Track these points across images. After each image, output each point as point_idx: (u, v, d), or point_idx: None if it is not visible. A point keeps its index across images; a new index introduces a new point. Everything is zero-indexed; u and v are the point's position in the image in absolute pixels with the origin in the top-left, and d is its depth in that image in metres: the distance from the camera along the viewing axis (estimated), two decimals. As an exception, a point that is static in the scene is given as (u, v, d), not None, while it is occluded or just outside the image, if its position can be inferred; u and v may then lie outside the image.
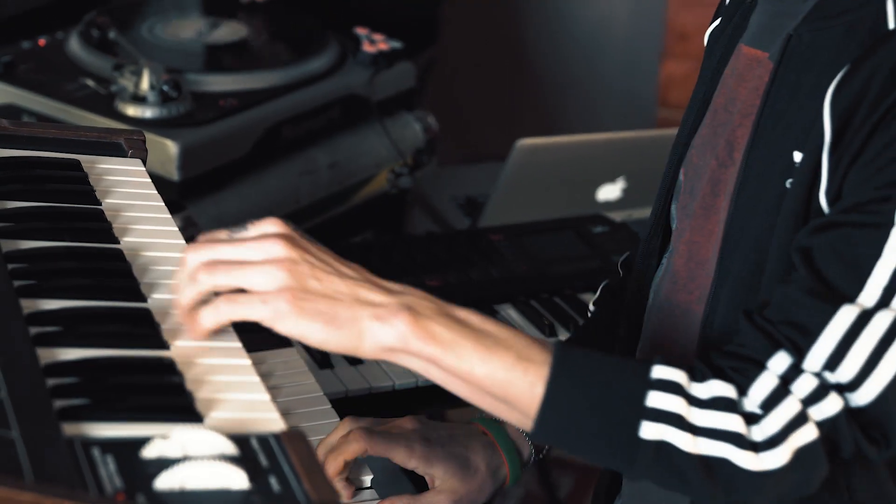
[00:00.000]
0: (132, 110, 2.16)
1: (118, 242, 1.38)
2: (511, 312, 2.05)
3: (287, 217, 2.24)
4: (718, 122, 1.42)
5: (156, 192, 1.52)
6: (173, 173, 2.12)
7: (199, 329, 1.20)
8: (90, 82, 2.23)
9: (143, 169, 1.56)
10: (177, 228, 1.44)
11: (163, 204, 1.48)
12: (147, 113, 2.16)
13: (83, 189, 1.47)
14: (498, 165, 2.79)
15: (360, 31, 2.49)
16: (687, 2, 3.70)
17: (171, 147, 2.11)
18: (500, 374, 1.21)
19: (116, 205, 1.45)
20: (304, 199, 2.31)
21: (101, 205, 1.44)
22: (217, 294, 1.20)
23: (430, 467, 1.51)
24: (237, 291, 1.20)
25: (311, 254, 1.20)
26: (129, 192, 1.50)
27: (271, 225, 1.22)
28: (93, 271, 1.32)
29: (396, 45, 2.47)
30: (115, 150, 1.58)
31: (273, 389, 1.64)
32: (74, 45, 2.34)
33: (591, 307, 1.69)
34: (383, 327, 1.18)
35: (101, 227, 1.39)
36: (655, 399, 1.21)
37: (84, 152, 1.55)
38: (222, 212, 2.19)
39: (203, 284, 1.19)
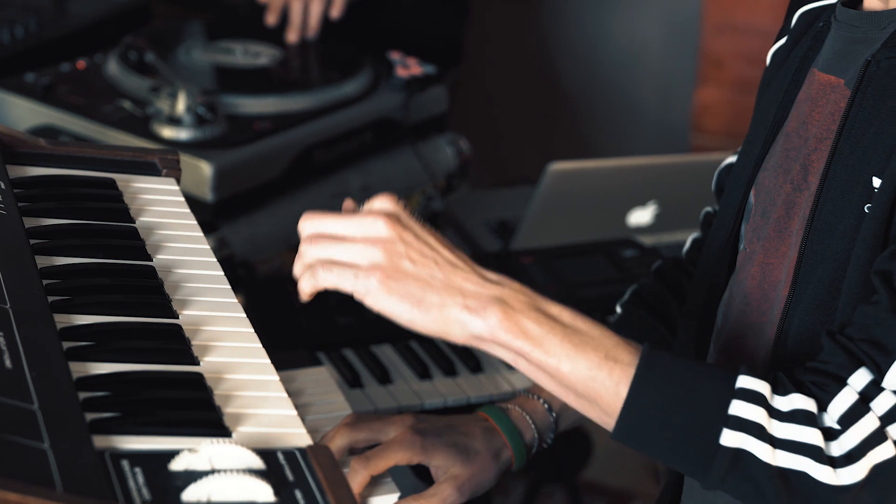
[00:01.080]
0: (168, 132, 2.19)
1: (151, 259, 1.41)
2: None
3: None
4: (791, 146, 1.43)
5: (189, 211, 1.54)
6: (207, 194, 2.15)
7: (302, 294, 1.25)
8: (127, 104, 2.26)
9: (177, 188, 1.59)
10: (208, 247, 1.47)
11: (195, 223, 1.51)
12: (182, 135, 2.19)
13: (117, 207, 1.50)
14: (530, 189, 2.80)
15: (394, 56, 2.51)
16: (721, 28, 3.71)
17: (206, 168, 2.14)
18: (585, 371, 1.23)
19: (150, 223, 1.48)
20: (336, 221, 2.32)
21: (134, 223, 1.47)
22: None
23: (430, 458, 1.50)
24: None
25: (412, 234, 1.23)
26: (163, 211, 1.53)
27: (381, 202, 1.26)
28: (125, 288, 1.34)
29: (429, 69, 2.49)
30: (150, 170, 1.60)
31: (303, 407, 1.66)
32: (112, 67, 2.37)
33: (619, 309, 1.70)
34: (473, 317, 1.21)
35: (134, 244, 1.42)
36: (738, 408, 1.22)
37: (119, 171, 1.58)
38: (255, 233, 2.21)
39: (306, 257, 1.24)
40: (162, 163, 1.61)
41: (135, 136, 2.20)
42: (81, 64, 2.41)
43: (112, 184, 1.54)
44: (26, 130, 2.30)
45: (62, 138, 2.26)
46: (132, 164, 1.60)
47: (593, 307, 2.10)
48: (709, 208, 1.76)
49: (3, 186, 1.45)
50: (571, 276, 2.16)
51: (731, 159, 1.70)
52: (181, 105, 2.20)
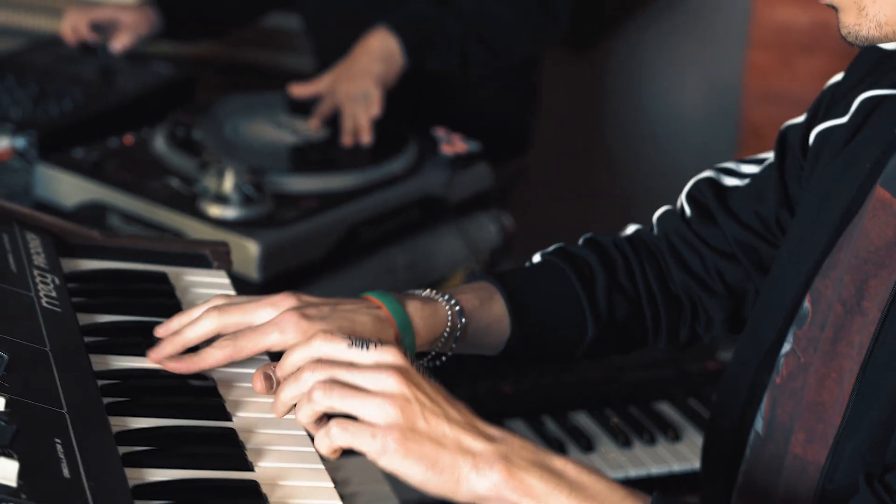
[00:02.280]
0: (215, 210, 2.20)
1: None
2: (584, 419, 2.07)
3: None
4: (848, 264, 1.36)
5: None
6: (253, 274, 2.15)
7: (324, 450, 1.21)
8: (174, 182, 2.27)
9: (228, 281, 1.60)
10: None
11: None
12: (229, 213, 2.20)
13: (170, 303, 1.50)
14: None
15: (439, 133, 2.52)
16: (762, 97, 3.71)
17: (252, 248, 2.15)
18: None
19: (203, 320, 1.48)
20: (381, 299, 2.33)
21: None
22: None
23: None
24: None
25: (423, 392, 1.20)
26: (215, 305, 1.53)
27: (390, 354, 1.22)
28: (180, 389, 1.35)
29: (474, 146, 2.50)
30: (201, 262, 1.61)
31: (349, 497, 1.66)
32: (159, 143, 2.39)
33: (537, 257, 1.60)
34: (479, 477, 1.18)
35: (187, 343, 1.42)
36: None
37: (171, 264, 1.59)
38: (300, 311, 2.22)
39: (318, 405, 1.21)
40: (213, 255, 1.62)
41: (182, 213, 2.21)
42: (129, 139, 2.43)
43: (164, 278, 1.55)
44: (75, 206, 2.32)
45: (110, 215, 2.27)
46: (184, 256, 1.61)
47: (638, 391, 2.12)
48: (668, 207, 1.66)
49: (56, 282, 1.46)
50: (616, 358, 2.15)
51: (710, 174, 1.63)
52: (228, 184, 2.21)
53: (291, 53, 3.64)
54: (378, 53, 2.56)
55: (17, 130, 2.46)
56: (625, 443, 2.03)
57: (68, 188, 2.32)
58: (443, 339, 1.47)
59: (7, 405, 1.20)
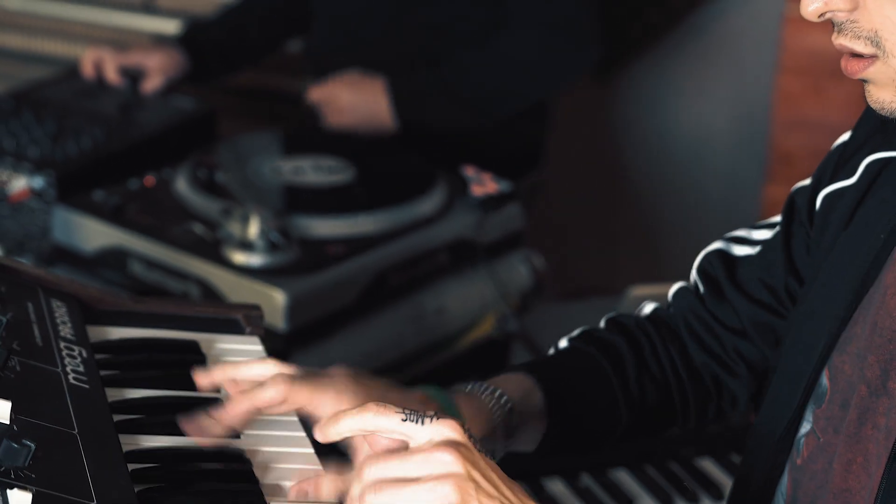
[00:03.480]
0: (239, 257, 2.13)
1: (238, 437, 1.34)
2: (624, 477, 2.00)
3: (392, 365, 2.22)
4: (869, 341, 1.29)
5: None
6: (280, 324, 2.09)
7: None
8: (198, 228, 2.20)
9: (261, 348, 1.53)
10: (296, 418, 1.40)
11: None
12: (254, 260, 2.13)
13: (203, 374, 1.43)
14: (601, 301, 2.74)
15: (468, 172, 2.45)
16: (792, 125, 3.64)
17: (279, 297, 2.08)
18: None
19: (237, 393, 1.41)
20: (409, 345, 2.26)
21: (220, 393, 1.41)
22: None
23: None
24: None
25: (479, 470, 1.14)
26: (249, 376, 1.46)
27: (447, 427, 1.15)
28: (216, 474, 1.28)
29: (504, 186, 2.43)
30: (234, 328, 1.54)
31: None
32: (181, 185, 2.32)
33: (565, 343, 1.55)
34: None
35: (221, 420, 1.35)
36: None
37: (202, 330, 1.52)
38: (327, 361, 2.13)
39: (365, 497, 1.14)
40: (245, 320, 1.55)
41: (205, 260, 2.15)
42: (150, 180, 2.36)
43: (196, 347, 1.48)
44: (95, 251, 2.25)
45: (131, 261, 2.21)
46: (215, 321, 1.54)
47: (679, 447, 2.05)
48: (683, 283, 1.60)
49: (84, 354, 1.39)
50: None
51: (719, 245, 1.58)
52: (253, 230, 2.14)
53: (304, 77, 3.57)
54: (365, 114, 2.60)
55: (34, 170, 2.39)
56: (666, 501, 1.96)
57: (88, 232, 2.26)
58: (493, 437, 1.42)
59: (34, 500, 1.13)
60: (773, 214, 3.75)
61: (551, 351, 1.57)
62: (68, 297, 1.49)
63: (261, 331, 1.55)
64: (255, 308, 1.57)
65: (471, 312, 2.36)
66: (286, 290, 2.09)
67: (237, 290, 2.11)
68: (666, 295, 2.30)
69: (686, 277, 1.61)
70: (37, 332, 1.39)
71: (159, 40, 3.55)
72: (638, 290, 2.29)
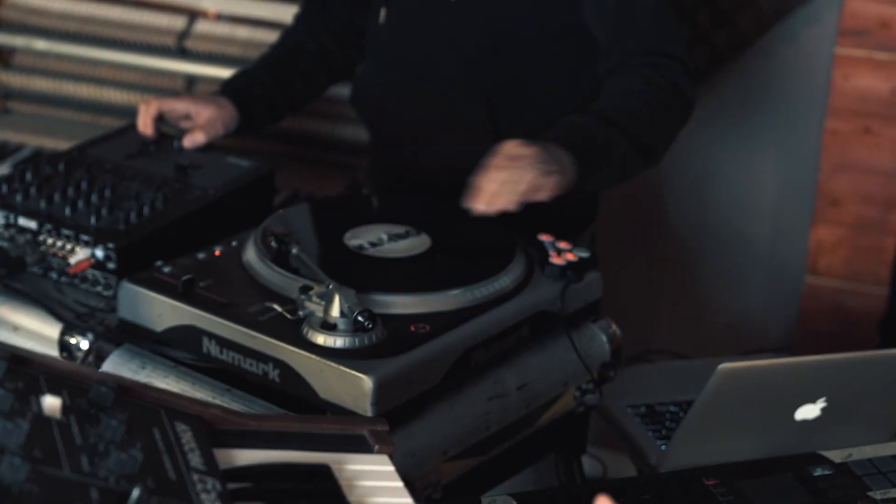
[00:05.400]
0: (322, 339, 2.04)
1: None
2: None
3: (475, 446, 2.13)
4: None
5: (410, 499, 1.40)
6: (367, 410, 1.99)
7: None
8: (276, 306, 2.11)
9: (392, 468, 1.45)
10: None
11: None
12: (338, 342, 2.04)
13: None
14: (670, 365, 2.67)
15: (545, 238, 2.36)
16: (839, 166, 3.57)
17: (367, 382, 1.99)
18: None
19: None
20: (493, 425, 2.18)
21: (361, 526, 1.33)
22: None
23: None
24: None
25: None
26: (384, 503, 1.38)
27: None
28: None
29: (583, 253, 2.34)
30: (361, 445, 1.46)
31: None
32: (252, 258, 2.23)
33: None
34: None
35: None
36: None
37: (329, 448, 1.44)
38: (412, 445, 2.06)
39: None
40: (372, 436, 1.47)
41: (285, 342, 2.05)
42: (218, 252, 2.27)
43: (328, 472, 1.39)
44: (165, 330, 2.16)
45: (205, 340, 2.12)
46: (341, 438, 1.46)
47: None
48: None
49: (218, 488, 1.30)
50: (760, 498, 2.00)
51: None
52: (336, 310, 2.05)
53: (344, 123, 3.49)
54: (565, 169, 2.38)
55: (94, 240, 2.30)
56: None
57: (158, 310, 2.17)
58: None
59: None
60: (820, 257, 3.68)
61: None
62: (192, 418, 1.41)
63: (389, 449, 1.46)
64: (381, 422, 1.48)
65: (553, 387, 2.28)
66: (372, 374, 1.99)
67: (320, 373, 2.02)
68: (756, 371, 2.23)
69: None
70: (168, 465, 1.31)
71: (202, 90, 3.46)
72: (726, 367, 2.21)
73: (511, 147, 2.33)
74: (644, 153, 2.54)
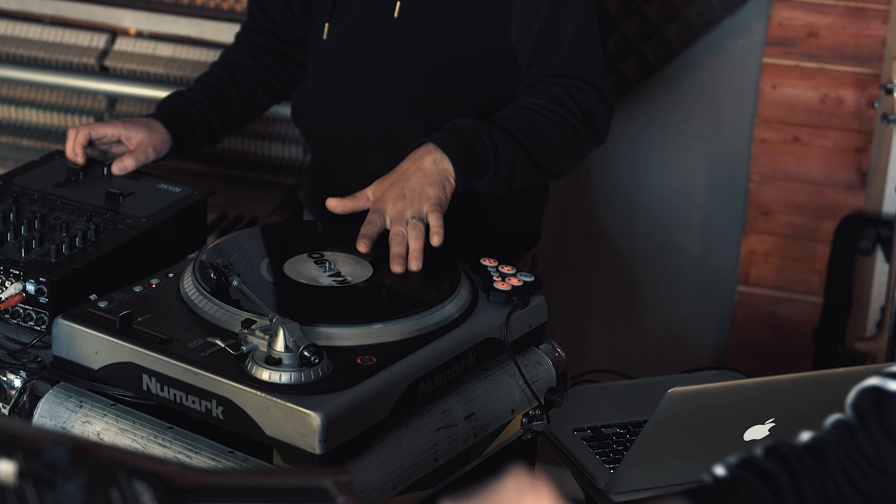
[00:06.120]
0: (267, 374, 1.99)
1: None
2: None
3: (424, 478, 2.09)
4: None
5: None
6: (315, 447, 1.95)
7: None
8: (218, 341, 2.06)
9: (357, 521, 1.40)
10: None
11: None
12: (283, 378, 1.99)
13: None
14: (598, 392, 2.64)
15: (487, 263, 2.33)
16: (769, 176, 3.57)
17: (315, 419, 1.94)
18: None
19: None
20: (441, 456, 2.14)
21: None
22: None
23: None
24: None
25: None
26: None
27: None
28: None
29: (528, 278, 2.31)
30: (324, 497, 1.41)
31: None
32: (191, 291, 2.17)
33: (722, 470, 1.54)
34: None
35: None
36: None
37: (292, 501, 1.39)
38: (362, 482, 2.01)
39: None
40: (336, 487, 1.42)
41: (229, 379, 2.00)
42: (155, 285, 2.21)
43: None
44: (103, 367, 2.10)
45: (146, 378, 2.06)
46: (304, 491, 1.41)
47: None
48: (839, 416, 1.60)
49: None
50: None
51: (875, 382, 1.55)
52: (280, 345, 2.00)
53: (275, 141, 3.45)
54: (433, 176, 2.37)
55: (24, 274, 2.23)
56: None
57: (94, 347, 2.10)
58: None
59: None
60: (752, 267, 3.69)
61: (707, 477, 1.55)
62: (150, 476, 1.35)
63: (354, 499, 1.42)
64: (344, 473, 1.43)
65: (500, 415, 2.24)
66: (321, 410, 1.95)
67: (266, 410, 1.97)
68: (705, 395, 2.21)
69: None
70: (129, 531, 1.25)
71: (124, 109, 3.39)
72: (675, 391, 2.19)
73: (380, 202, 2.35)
74: (536, 165, 2.51)
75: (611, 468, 2.40)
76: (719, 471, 1.54)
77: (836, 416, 1.59)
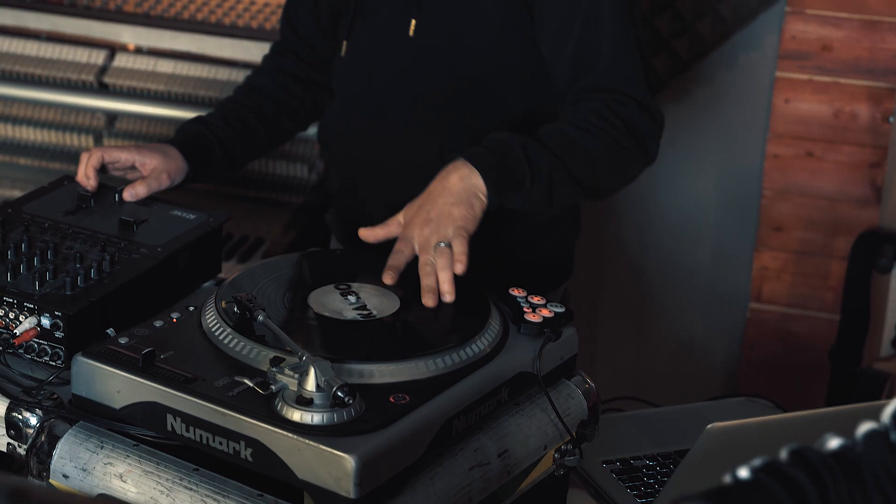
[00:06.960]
0: (298, 415, 1.92)
1: None
2: None
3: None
4: None
5: None
6: (350, 491, 1.88)
7: None
8: (246, 380, 1.98)
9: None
10: None
11: None
12: (315, 419, 1.92)
13: None
14: (628, 421, 2.58)
15: (517, 293, 2.26)
16: (782, 191, 3.51)
17: (349, 462, 1.87)
18: None
19: None
20: (476, 496, 2.07)
21: None
22: None
23: None
24: None
25: None
26: None
27: None
28: None
29: (559, 309, 2.24)
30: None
31: None
32: (214, 326, 2.10)
33: (746, 472, 1.47)
34: None
35: None
36: None
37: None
38: (397, 524, 1.95)
39: None
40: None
41: (257, 419, 1.93)
42: (176, 319, 2.14)
43: None
44: (125, 407, 2.03)
45: (170, 418, 1.99)
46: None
47: None
48: (873, 425, 1.51)
49: None
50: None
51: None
52: (311, 384, 1.93)
53: (280, 159, 3.38)
54: (460, 194, 2.29)
55: (38, 308, 2.15)
56: None
57: (116, 386, 2.03)
58: None
59: None
60: (764, 284, 3.63)
61: (728, 478, 1.49)
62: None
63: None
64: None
65: (533, 451, 2.17)
66: (356, 452, 1.88)
67: (297, 452, 1.90)
68: (746, 430, 2.15)
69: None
70: None
71: (123, 127, 3.32)
72: (716, 426, 2.13)
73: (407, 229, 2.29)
74: (576, 180, 2.43)
75: (643, 503, 2.33)
76: (742, 472, 1.48)
77: (869, 426, 1.50)
